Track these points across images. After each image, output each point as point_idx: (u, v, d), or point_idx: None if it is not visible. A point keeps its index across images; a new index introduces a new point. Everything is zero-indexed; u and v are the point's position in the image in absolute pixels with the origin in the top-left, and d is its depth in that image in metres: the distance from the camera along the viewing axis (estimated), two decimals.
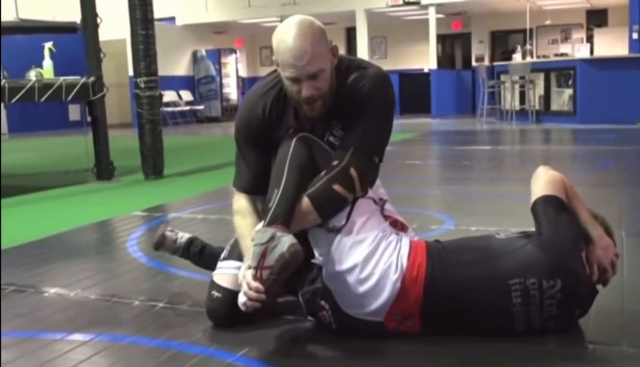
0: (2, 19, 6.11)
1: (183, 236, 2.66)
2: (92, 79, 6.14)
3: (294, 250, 1.87)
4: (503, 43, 18.19)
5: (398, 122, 13.95)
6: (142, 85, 6.21)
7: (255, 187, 2.19)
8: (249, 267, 1.94)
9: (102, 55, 6.24)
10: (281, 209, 2.00)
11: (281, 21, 2.12)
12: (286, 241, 1.88)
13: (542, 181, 2.09)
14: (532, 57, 14.70)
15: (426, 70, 16.31)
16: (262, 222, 2.03)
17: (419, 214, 4.00)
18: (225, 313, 2.18)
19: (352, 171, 2.04)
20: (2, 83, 5.49)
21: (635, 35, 11.65)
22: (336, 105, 2.10)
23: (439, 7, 15.29)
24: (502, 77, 13.05)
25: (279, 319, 2.27)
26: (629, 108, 10.77)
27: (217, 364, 1.97)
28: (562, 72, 11.91)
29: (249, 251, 1.98)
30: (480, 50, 18.19)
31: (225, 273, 2.23)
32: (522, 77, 12.26)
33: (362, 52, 15.33)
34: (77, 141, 8.56)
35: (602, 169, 6.08)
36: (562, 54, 15.68)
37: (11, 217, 4.54)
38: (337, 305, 2.04)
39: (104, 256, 3.55)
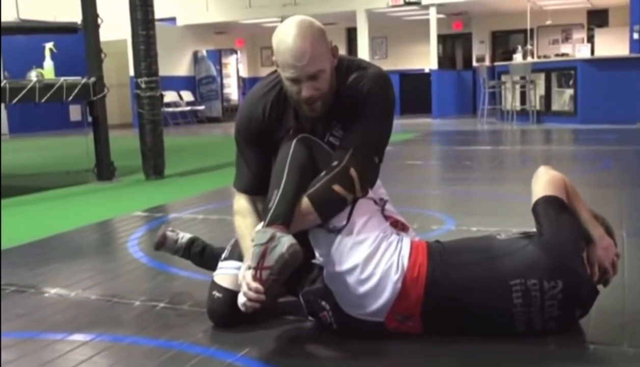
0: (3, 19, 6.11)
1: (184, 236, 2.66)
2: (92, 79, 6.14)
3: (294, 250, 1.87)
4: (504, 43, 18.19)
5: (399, 122, 13.95)
6: (143, 85, 6.22)
7: (256, 187, 2.19)
8: (249, 268, 1.94)
9: (103, 55, 6.25)
10: (281, 209, 2.00)
11: (282, 21, 2.12)
12: (286, 242, 1.88)
13: (543, 181, 2.09)
14: (532, 57, 14.70)
15: (427, 70, 16.31)
16: (262, 223, 2.03)
17: (419, 214, 4.00)
18: (226, 313, 2.18)
19: (352, 171, 2.04)
20: (3, 83, 5.49)
21: (636, 36, 11.64)
22: (336, 105, 2.10)
23: (440, 7, 15.29)
24: (503, 78, 13.05)
25: (279, 319, 2.27)
26: (629, 108, 10.76)
27: (217, 364, 1.97)
28: (562, 72, 11.91)
29: (249, 251, 1.98)
30: (481, 50, 18.19)
31: (226, 273, 2.23)
32: (522, 78, 12.26)
33: (363, 52, 15.33)
34: (77, 141, 8.57)
35: (602, 169, 6.08)
36: (562, 54, 15.68)
37: (12, 218, 4.54)
38: (338, 305, 2.04)
39: (104, 256, 3.55)
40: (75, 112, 15.33)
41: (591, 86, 11.17)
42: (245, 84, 18.47)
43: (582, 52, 12.49)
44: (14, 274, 3.05)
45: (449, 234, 3.39)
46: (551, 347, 1.97)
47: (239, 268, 2.12)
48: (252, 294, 1.91)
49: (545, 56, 15.79)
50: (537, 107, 12.21)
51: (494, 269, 1.97)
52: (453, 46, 19.18)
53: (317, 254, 2.10)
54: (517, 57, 13.58)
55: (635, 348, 1.95)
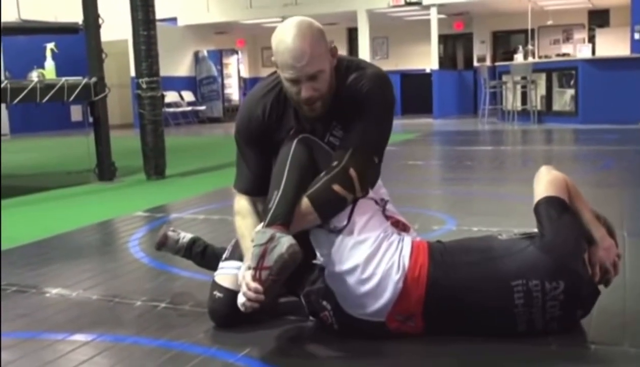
0: (4, 20, 6.12)
1: (185, 236, 2.66)
2: (94, 79, 6.14)
3: (293, 251, 1.87)
4: (505, 43, 18.19)
5: (399, 122, 13.96)
6: (144, 85, 6.22)
7: (256, 188, 2.19)
8: (248, 268, 1.94)
9: (104, 55, 6.25)
10: (281, 209, 2.00)
11: (283, 22, 2.12)
12: (285, 242, 1.88)
13: (545, 182, 2.09)
14: (533, 57, 14.71)
15: (428, 70, 16.30)
16: (262, 223, 2.03)
17: (420, 214, 4.00)
18: (227, 313, 2.18)
19: (352, 171, 2.04)
20: (4, 84, 5.49)
21: (637, 36, 11.64)
22: (336, 105, 2.10)
23: (441, 8, 15.29)
24: (504, 78, 13.05)
25: (280, 319, 2.27)
26: (630, 108, 10.76)
27: (219, 364, 1.97)
28: (563, 72, 11.91)
29: (249, 251, 1.99)
30: (481, 50, 18.19)
31: (227, 273, 2.23)
32: (523, 78, 12.26)
33: (364, 52, 15.33)
34: (78, 142, 8.57)
35: (603, 169, 6.08)
36: (563, 54, 15.69)
37: (13, 218, 4.54)
38: (339, 305, 2.04)
39: (105, 256, 3.55)
40: (76, 113, 15.35)
41: (592, 86, 11.17)
42: (246, 84, 18.47)
43: (583, 52, 12.49)
44: (15, 274, 3.05)
45: (450, 234, 3.39)
46: (553, 347, 1.97)
47: (240, 268, 2.12)
48: (251, 294, 1.91)
49: (546, 56, 15.80)
50: (538, 107, 12.21)
51: (495, 270, 1.97)
52: (454, 46, 19.18)
53: (318, 254, 2.11)
54: (518, 57, 13.58)
55: (636, 348, 1.95)
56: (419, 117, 16.10)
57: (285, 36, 2.00)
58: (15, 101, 5.62)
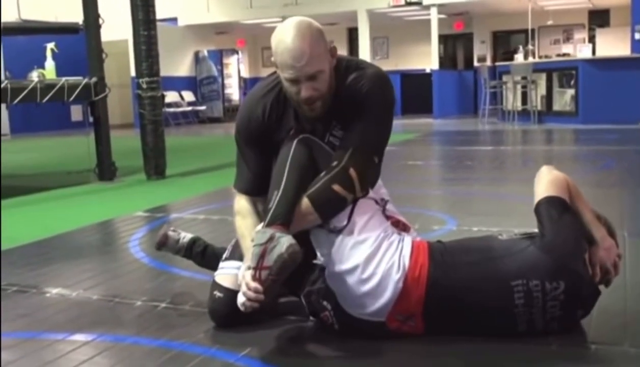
0: (4, 20, 6.12)
1: (185, 236, 2.66)
2: (94, 79, 6.14)
3: (293, 251, 1.87)
4: (505, 43, 18.19)
5: (399, 122, 13.96)
6: (144, 85, 6.22)
7: (256, 188, 2.19)
8: (248, 268, 1.94)
9: (104, 55, 6.25)
10: (281, 209, 2.00)
11: (283, 22, 2.12)
12: (285, 242, 1.88)
13: (546, 182, 2.09)
14: (534, 57, 14.71)
15: (428, 70, 16.30)
16: (262, 223, 2.03)
17: (420, 214, 4.00)
18: (227, 313, 2.18)
19: (352, 171, 2.04)
20: (4, 84, 5.50)
21: (637, 36, 11.63)
22: (335, 105, 2.10)
23: (441, 8, 15.29)
24: (504, 78, 13.05)
25: (281, 319, 2.27)
26: (631, 108, 10.76)
27: (219, 364, 1.97)
28: (564, 72, 11.91)
29: (249, 251, 1.99)
30: (482, 50, 18.19)
31: (227, 273, 2.23)
32: (524, 78, 12.26)
33: (364, 52, 15.33)
34: (79, 142, 8.58)
35: (604, 169, 6.08)
36: (564, 54, 15.69)
37: (13, 218, 4.54)
38: (339, 305, 2.04)
39: (106, 256, 3.55)
40: (76, 113, 15.35)
41: (592, 86, 11.17)
42: (247, 84, 18.48)
43: (583, 52, 12.49)
44: (15, 274, 3.05)
45: (450, 234, 3.39)
46: (553, 347, 1.97)
47: (240, 268, 2.12)
48: (251, 294, 1.91)
49: (546, 56, 15.80)
50: (539, 107, 12.21)
51: (495, 270, 1.97)
52: (454, 46, 19.18)
53: (318, 254, 2.11)
54: (519, 57, 13.58)
55: (636, 348, 1.95)
56: (419, 117, 16.10)
57: (284, 36, 2.00)
58: (16, 101, 5.62)
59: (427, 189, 5.39)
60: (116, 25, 10.42)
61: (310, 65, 1.98)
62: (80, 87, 6.01)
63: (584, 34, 17.03)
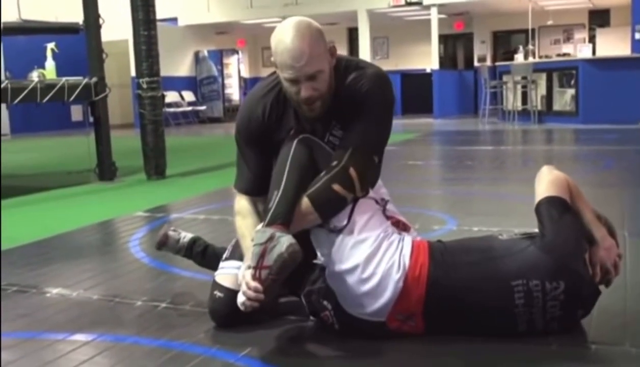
0: (5, 20, 6.12)
1: (186, 236, 2.66)
2: (94, 79, 6.14)
3: (293, 250, 1.87)
4: (505, 43, 18.19)
5: (400, 122, 13.96)
6: (145, 85, 6.22)
7: (256, 188, 2.19)
8: (248, 267, 1.94)
9: (104, 55, 6.25)
10: (281, 209, 2.00)
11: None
12: (285, 241, 1.88)
13: (546, 182, 2.09)
14: (534, 57, 14.71)
15: (428, 70, 16.30)
16: (262, 223, 2.03)
17: (421, 214, 4.00)
18: (228, 313, 2.18)
19: (352, 171, 2.04)
20: (4, 84, 5.50)
21: (637, 35, 11.63)
22: (335, 105, 2.10)
23: (441, 8, 15.29)
24: (504, 78, 13.05)
25: (281, 319, 2.27)
26: (631, 108, 10.76)
27: (219, 364, 1.97)
28: (564, 72, 11.91)
29: (249, 251, 1.99)
30: (482, 50, 18.19)
31: (227, 273, 2.23)
32: (524, 78, 12.26)
33: (364, 52, 15.33)
34: (79, 142, 8.58)
35: (604, 169, 6.08)
36: (564, 54, 15.69)
37: (13, 218, 4.54)
38: (339, 305, 2.04)
39: (106, 256, 3.55)
40: (76, 113, 15.35)
41: (593, 86, 11.17)
42: (247, 84, 18.48)
43: (583, 52, 12.48)
44: (15, 274, 3.05)
45: (450, 234, 3.39)
46: (553, 347, 1.97)
47: (240, 268, 2.12)
48: (251, 293, 1.91)
49: (546, 56, 15.79)
50: (539, 107, 12.21)
51: (496, 270, 1.97)
52: (454, 46, 19.18)
53: (318, 254, 2.11)
54: (519, 57, 13.57)
55: (637, 348, 1.95)
56: (419, 117, 16.10)
57: (284, 36, 2.00)
58: (16, 101, 5.62)
59: (427, 189, 5.39)
60: (116, 25, 10.42)
61: (310, 65, 1.98)
62: (80, 87, 6.01)
63: (584, 34, 17.03)
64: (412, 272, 1.98)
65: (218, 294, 2.22)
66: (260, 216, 2.13)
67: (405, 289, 1.97)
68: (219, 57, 17.38)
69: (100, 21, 6.23)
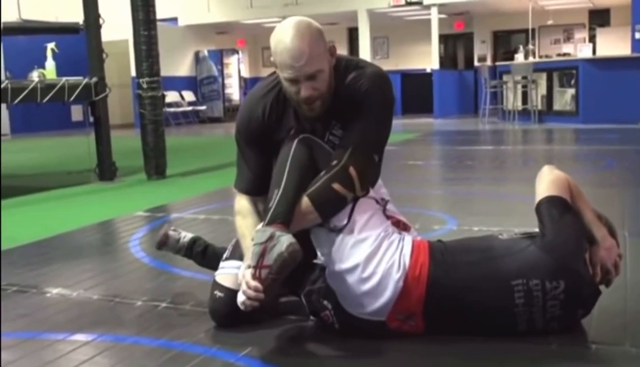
0: (5, 20, 6.12)
1: (186, 236, 2.66)
2: (94, 79, 6.14)
3: (293, 249, 1.87)
4: (505, 43, 18.18)
5: (400, 122, 13.96)
6: (145, 85, 6.22)
7: (256, 188, 2.19)
8: (248, 267, 1.94)
9: (104, 55, 6.25)
10: (281, 208, 2.00)
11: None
12: (285, 241, 1.88)
13: (547, 181, 2.09)
14: (534, 57, 14.71)
15: (428, 70, 16.30)
16: (262, 222, 2.03)
17: (421, 214, 4.00)
18: (228, 313, 2.18)
19: (352, 170, 2.05)
20: (5, 84, 5.50)
21: (637, 35, 11.63)
22: (335, 105, 2.10)
23: (441, 7, 15.28)
24: (505, 77, 13.05)
25: (281, 319, 2.27)
26: (631, 108, 10.76)
27: (219, 364, 1.97)
28: (564, 72, 11.90)
29: (249, 250, 1.99)
30: (482, 50, 18.18)
31: (227, 273, 2.23)
32: (524, 77, 12.26)
33: (364, 52, 15.33)
34: (79, 142, 8.58)
35: (605, 169, 6.07)
36: (564, 54, 15.69)
37: (13, 218, 4.54)
38: (339, 305, 2.04)
39: (106, 256, 3.55)
40: (76, 112, 15.35)
41: (593, 86, 11.17)
42: (247, 84, 18.48)
43: (583, 51, 12.48)
44: (15, 274, 3.05)
45: (450, 234, 3.39)
46: (553, 347, 1.97)
47: (240, 268, 2.12)
48: (251, 293, 1.91)
49: (546, 56, 15.79)
50: (539, 107, 12.21)
51: (496, 269, 1.97)
52: (454, 46, 19.17)
53: (319, 254, 2.11)
54: (519, 57, 13.57)
55: (637, 348, 1.95)
56: (419, 117, 16.09)
57: (283, 36, 2.00)
58: (16, 101, 5.62)
59: (427, 189, 5.39)
60: (116, 25, 10.42)
61: (310, 65, 1.98)
62: (80, 87, 6.01)
63: (585, 34, 17.03)
64: (413, 272, 1.98)
65: (218, 293, 2.22)
66: (261, 215, 2.13)
67: (405, 288, 1.97)
68: (219, 57, 17.39)
69: (101, 21, 6.22)
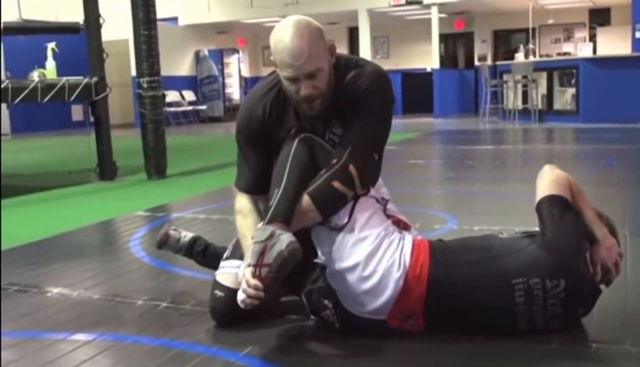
0: (5, 19, 6.12)
1: (186, 235, 2.66)
2: (94, 79, 6.14)
3: (293, 248, 1.87)
4: (506, 42, 18.18)
5: (400, 121, 13.96)
6: (145, 85, 6.22)
7: (257, 187, 2.20)
8: (249, 265, 1.95)
9: (104, 55, 6.25)
10: (282, 207, 2.00)
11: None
12: (285, 239, 1.88)
13: (548, 180, 2.09)
14: (534, 56, 14.69)
15: (429, 69, 16.29)
16: (262, 221, 2.03)
17: (421, 213, 4.00)
18: (228, 312, 2.18)
19: (352, 168, 2.05)
20: (5, 84, 5.50)
21: (638, 34, 11.62)
22: (335, 103, 2.11)
23: (442, 7, 15.27)
24: (505, 77, 13.04)
25: (282, 318, 2.27)
26: (631, 107, 10.75)
27: (220, 363, 1.97)
28: (564, 71, 11.90)
29: (249, 249, 1.99)
30: (482, 49, 18.18)
31: (228, 272, 2.23)
32: (524, 77, 12.25)
33: (365, 51, 15.32)
34: (79, 141, 8.58)
35: (605, 168, 6.07)
36: (564, 53, 15.68)
37: (14, 217, 4.54)
38: (340, 304, 2.04)
39: (107, 255, 3.55)
40: (77, 112, 15.34)
41: (593, 85, 11.16)
42: (247, 84, 18.47)
43: (584, 51, 12.47)
44: (16, 273, 3.05)
45: (451, 233, 3.39)
46: (553, 346, 1.97)
47: (240, 267, 2.12)
48: (251, 291, 1.91)
49: (547, 55, 15.77)
50: (539, 106, 12.21)
51: (496, 268, 1.97)
52: (455, 45, 19.17)
53: (319, 253, 2.11)
54: (519, 56, 13.56)
55: (637, 347, 1.95)
56: (419, 116, 16.09)
57: (283, 35, 2.00)
58: (16, 101, 5.62)
59: (428, 188, 5.39)
60: (117, 25, 10.42)
61: (309, 64, 1.99)
62: (80, 86, 6.01)
63: (585, 33, 17.02)
64: (413, 271, 1.98)
65: (219, 293, 2.22)
66: (261, 214, 2.13)
67: (405, 287, 1.97)
68: (219, 56, 17.38)
69: (101, 21, 6.23)
